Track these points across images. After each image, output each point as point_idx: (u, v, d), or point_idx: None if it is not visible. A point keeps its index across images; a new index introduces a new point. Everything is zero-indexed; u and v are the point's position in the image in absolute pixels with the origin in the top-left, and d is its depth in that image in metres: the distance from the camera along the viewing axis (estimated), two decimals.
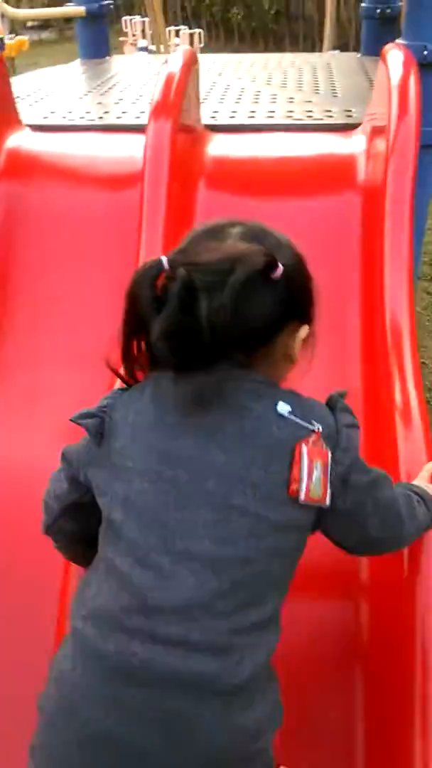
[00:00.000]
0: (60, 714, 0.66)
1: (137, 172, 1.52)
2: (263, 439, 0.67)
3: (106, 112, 1.82)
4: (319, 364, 1.02)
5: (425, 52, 1.49)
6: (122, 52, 7.61)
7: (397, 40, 1.58)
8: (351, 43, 7.89)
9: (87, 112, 1.83)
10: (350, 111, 1.74)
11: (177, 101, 1.43)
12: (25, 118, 1.74)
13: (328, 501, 0.68)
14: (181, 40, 6.01)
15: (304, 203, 1.51)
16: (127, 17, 8.50)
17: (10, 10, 2.36)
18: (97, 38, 2.64)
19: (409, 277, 1.27)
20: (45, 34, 13.72)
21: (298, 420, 0.68)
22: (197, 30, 6.73)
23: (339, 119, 1.69)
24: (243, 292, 0.62)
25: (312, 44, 8.99)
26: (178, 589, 0.63)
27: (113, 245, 1.49)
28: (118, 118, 1.78)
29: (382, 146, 1.40)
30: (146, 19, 7.44)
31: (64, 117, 1.79)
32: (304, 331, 0.72)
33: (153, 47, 6.61)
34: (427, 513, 0.80)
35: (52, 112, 1.83)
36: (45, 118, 1.79)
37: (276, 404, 0.68)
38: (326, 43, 3.03)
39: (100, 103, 1.92)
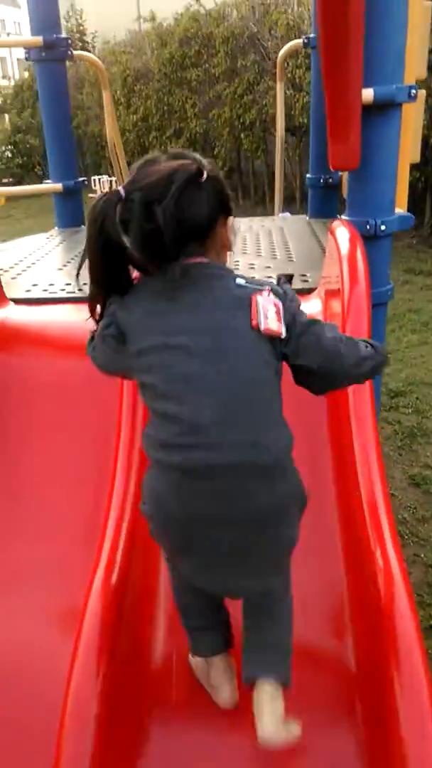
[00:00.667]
0: (157, 511, 0.96)
1: None
2: (230, 301, 0.95)
3: (85, 284, 1.97)
4: None
5: (368, 227, 1.70)
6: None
7: (342, 216, 1.80)
8: (297, 194, 8.75)
9: (67, 284, 1.99)
10: (306, 276, 1.94)
11: None
12: (9, 292, 1.88)
13: (283, 332, 0.94)
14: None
15: None
16: (95, 177, 9.36)
17: None
18: (72, 210, 2.92)
19: (374, 426, 1.36)
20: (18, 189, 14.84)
21: (252, 285, 0.97)
22: None
23: (296, 284, 1.87)
24: (184, 195, 0.88)
25: (262, 196, 9.96)
26: (208, 412, 0.90)
27: (93, 412, 1.58)
28: None
29: (338, 308, 1.55)
30: (113, 179, 8.24)
31: (45, 290, 1.94)
32: (230, 221, 1.01)
33: None
34: (375, 353, 1.01)
35: (34, 285, 1.98)
36: (27, 291, 1.93)
37: (234, 279, 0.97)
38: (276, 205, 3.37)
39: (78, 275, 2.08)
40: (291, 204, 8.67)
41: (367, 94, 1.49)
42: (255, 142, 9.26)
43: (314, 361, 0.97)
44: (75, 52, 2.81)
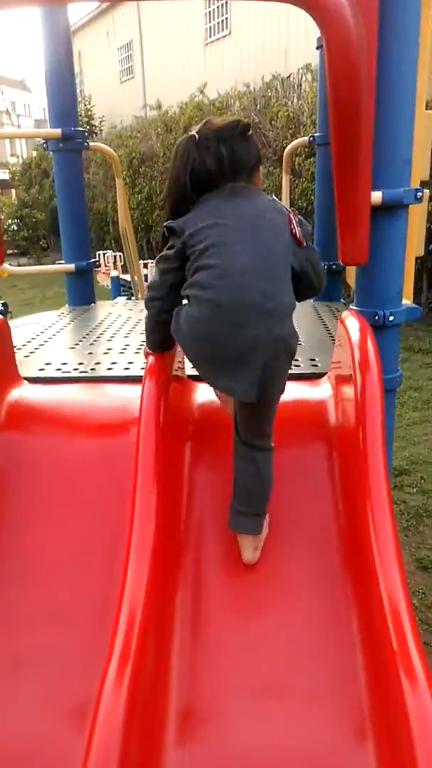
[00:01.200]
0: (188, 329, 1.34)
1: (128, 421, 1.66)
2: (269, 206, 1.39)
3: (97, 363, 2.02)
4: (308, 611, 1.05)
5: (376, 317, 1.75)
6: (97, 281, 8.51)
7: (352, 306, 1.86)
8: None
9: (80, 363, 2.02)
10: (314, 360, 1.98)
11: (169, 361, 1.62)
12: (23, 371, 1.91)
13: (303, 242, 1.37)
14: (149, 271, 6.85)
15: (282, 446, 1.66)
16: (101, 251, 9.69)
17: (9, 268, 2.68)
18: (83, 289, 3.00)
19: (391, 516, 1.36)
20: (23, 260, 15.30)
21: (282, 205, 1.42)
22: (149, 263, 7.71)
23: (306, 369, 1.91)
24: (239, 140, 1.37)
25: None
26: (239, 266, 1.28)
27: (106, 493, 1.57)
28: (108, 369, 1.97)
29: (349, 393, 1.58)
30: (117, 253, 8.51)
31: (59, 369, 1.97)
32: (261, 169, 1.47)
33: (124, 276, 7.47)
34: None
35: (47, 364, 2.02)
36: (41, 370, 1.96)
37: (269, 196, 1.42)
38: None
39: (90, 354, 2.13)
40: None
41: (376, 196, 1.58)
42: None
43: (310, 272, 1.39)
44: (91, 144, 2.97)
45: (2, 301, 2.02)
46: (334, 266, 2.92)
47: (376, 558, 1.18)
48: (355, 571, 1.33)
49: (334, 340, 2.15)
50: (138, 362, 2.01)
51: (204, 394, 1.79)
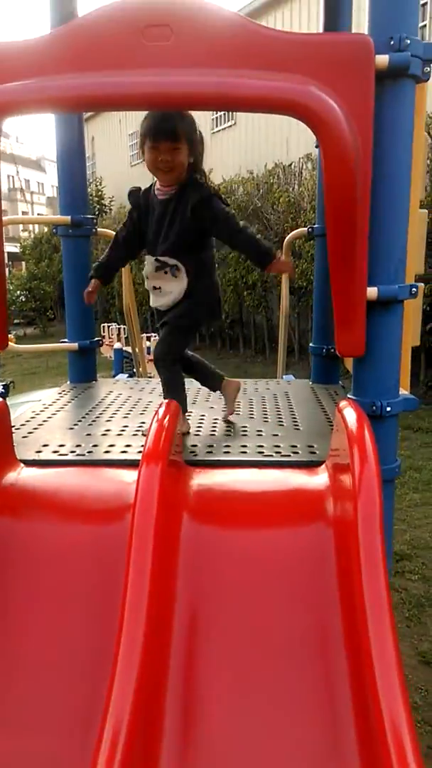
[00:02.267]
0: None
1: (123, 507, 1.64)
2: None
3: (95, 446, 2.02)
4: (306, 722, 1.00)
5: (373, 408, 1.76)
6: (101, 352, 8.65)
7: (349, 395, 1.88)
8: (295, 347, 9.13)
9: (77, 446, 2.02)
10: (313, 447, 1.98)
11: (165, 448, 1.61)
12: (20, 452, 1.91)
13: None
14: (152, 344, 6.98)
15: (280, 536, 1.63)
16: (105, 324, 9.89)
17: (15, 346, 2.72)
18: (86, 366, 3.04)
19: (390, 617, 1.31)
20: (29, 330, 15.60)
21: None
22: (153, 334, 7.83)
23: (304, 456, 1.91)
24: None
25: (263, 346, 10.42)
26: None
27: (97, 580, 1.53)
28: (106, 452, 1.96)
29: (347, 482, 1.57)
30: (121, 326, 8.68)
31: (56, 452, 1.96)
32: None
33: (127, 348, 7.58)
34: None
35: (45, 446, 2.02)
36: (38, 452, 1.96)
37: None
38: (279, 368, 3.53)
39: (89, 435, 2.13)
40: (290, 355, 9.03)
41: (372, 291, 1.63)
42: (256, 299, 9.88)
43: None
44: (99, 230, 3.09)
45: (3, 383, 2.04)
46: (332, 350, 2.96)
47: (375, 667, 1.13)
48: (355, 679, 1.27)
49: (332, 425, 2.15)
50: (135, 445, 2.01)
51: (200, 480, 1.78)
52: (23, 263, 17.16)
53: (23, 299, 15.34)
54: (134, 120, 18.53)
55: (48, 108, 1.70)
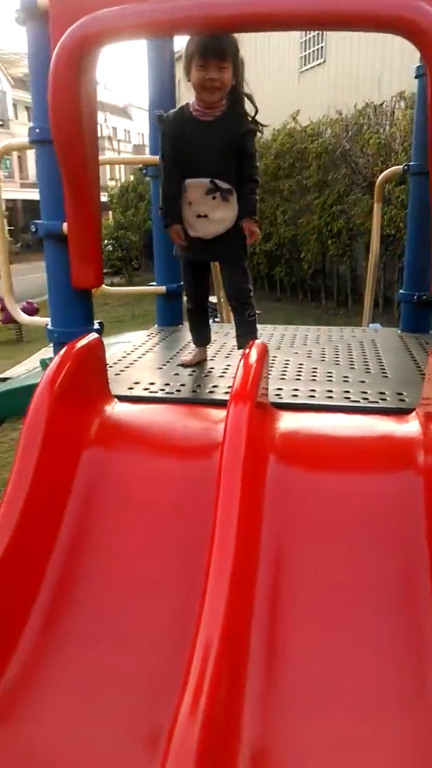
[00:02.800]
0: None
1: (212, 444, 1.68)
2: None
3: (182, 385, 2.06)
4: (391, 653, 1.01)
5: None
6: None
7: None
8: (380, 300, 8.83)
9: (166, 384, 2.07)
10: (402, 394, 1.93)
11: (253, 389, 1.63)
12: (114, 388, 1.98)
13: None
14: None
15: (368, 482, 1.62)
16: None
17: (106, 288, 2.79)
18: (172, 310, 3.08)
19: None
20: (116, 279, 15.89)
21: None
22: None
23: (393, 403, 1.87)
24: None
25: (345, 298, 10.14)
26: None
27: (187, 512, 1.59)
28: (193, 392, 2.00)
29: None
30: None
31: (146, 389, 2.02)
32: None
33: (212, 299, 7.58)
34: None
35: (136, 383, 2.08)
36: (130, 389, 2.02)
37: None
38: (366, 317, 3.43)
39: (176, 375, 2.18)
40: (375, 307, 8.76)
41: None
42: (341, 248, 9.56)
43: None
44: None
45: (98, 321, 2.10)
46: (424, 296, 2.84)
47: None
48: None
49: (423, 374, 2.09)
50: (222, 386, 2.03)
51: (287, 422, 1.78)
52: (110, 212, 17.35)
53: (110, 248, 15.58)
54: None
55: (148, 32, 1.69)
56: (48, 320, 2.11)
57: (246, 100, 2.07)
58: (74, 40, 1.52)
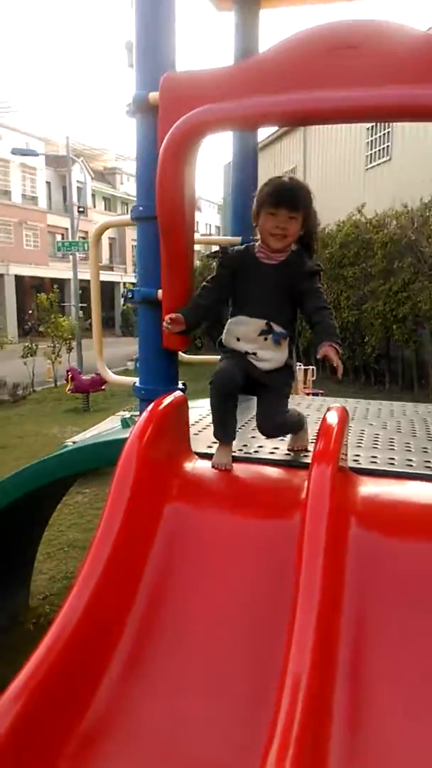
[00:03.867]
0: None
1: (292, 503, 1.71)
2: None
3: (260, 446, 2.11)
4: None
5: None
6: None
7: None
8: None
9: (244, 445, 2.12)
10: None
11: (336, 450, 1.66)
12: (193, 446, 2.04)
13: None
14: (299, 374, 7.05)
15: None
16: None
17: (183, 356, 2.91)
18: None
19: None
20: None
21: None
22: (311, 366, 7.85)
23: None
24: None
25: (410, 382, 10.06)
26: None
27: (264, 570, 1.59)
28: (271, 453, 2.04)
29: None
30: None
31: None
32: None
33: None
34: None
35: (214, 442, 2.13)
36: (209, 447, 2.08)
37: None
38: None
39: (253, 437, 2.23)
40: None
41: None
42: (406, 333, 9.59)
43: None
44: None
45: (182, 381, 2.21)
46: None
47: None
48: None
49: None
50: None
51: (368, 487, 1.79)
52: None
53: None
54: (289, 157, 19.06)
55: (247, 124, 1.87)
56: (136, 379, 2.23)
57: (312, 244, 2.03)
58: (186, 128, 1.71)
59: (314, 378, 7.11)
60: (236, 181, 3.18)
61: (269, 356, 1.97)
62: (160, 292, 2.06)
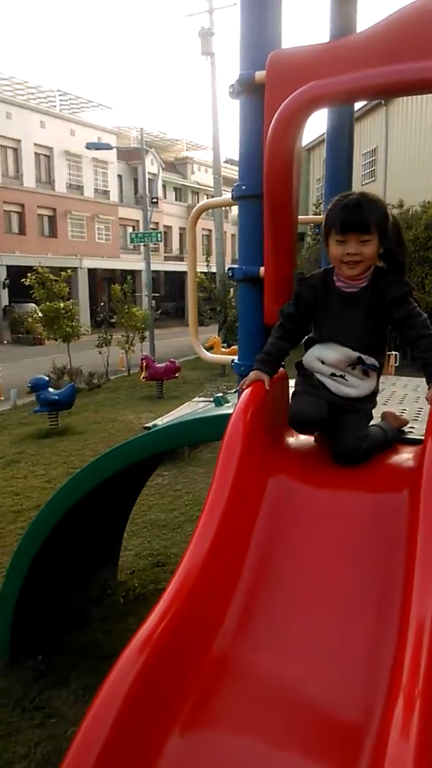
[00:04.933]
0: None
1: (402, 478, 1.71)
2: None
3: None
4: None
5: None
6: None
7: None
8: None
9: None
10: None
11: None
12: None
13: None
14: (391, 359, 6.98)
15: None
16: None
17: None
18: None
19: None
20: None
21: None
22: (393, 352, 7.72)
23: None
24: None
25: None
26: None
27: (373, 540, 1.61)
28: None
29: None
30: None
31: None
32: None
33: None
34: None
35: None
36: None
37: None
38: None
39: None
40: None
41: None
42: None
43: None
44: None
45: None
46: None
47: None
48: None
49: None
50: (417, 427, 2.05)
51: None
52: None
53: None
54: (369, 139, 18.60)
55: (354, 97, 1.87)
56: (234, 357, 2.27)
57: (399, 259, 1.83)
58: (297, 103, 1.72)
59: (397, 364, 6.97)
60: (330, 161, 3.16)
61: (357, 383, 1.86)
62: (261, 269, 2.09)
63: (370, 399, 1.92)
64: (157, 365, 10.72)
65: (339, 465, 1.84)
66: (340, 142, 3.11)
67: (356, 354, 1.83)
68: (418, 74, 1.60)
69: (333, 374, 1.86)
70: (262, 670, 1.41)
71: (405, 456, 1.88)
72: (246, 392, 1.84)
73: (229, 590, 1.56)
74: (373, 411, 1.96)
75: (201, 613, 1.47)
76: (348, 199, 1.73)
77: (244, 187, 2.15)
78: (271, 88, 1.94)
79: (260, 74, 1.99)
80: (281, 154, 1.80)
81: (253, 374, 1.88)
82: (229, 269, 2.26)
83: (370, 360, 1.84)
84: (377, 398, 1.99)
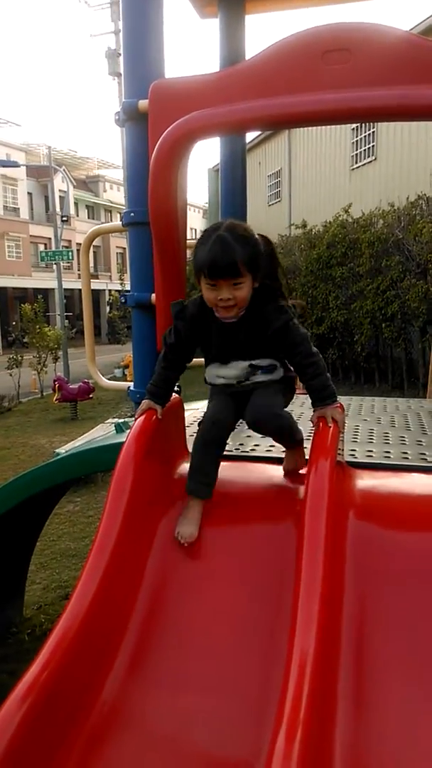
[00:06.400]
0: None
1: (291, 499, 1.73)
2: None
3: (257, 445, 2.13)
4: None
5: None
6: None
7: None
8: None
9: (240, 444, 2.15)
10: None
11: (333, 446, 1.68)
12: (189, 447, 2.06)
13: None
14: None
15: None
16: None
17: None
18: None
19: None
20: None
21: None
22: None
23: None
24: None
25: (400, 381, 10.14)
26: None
27: (264, 568, 1.61)
28: (267, 451, 2.07)
29: None
30: None
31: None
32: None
33: None
34: None
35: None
36: None
37: None
38: (430, 389, 3.46)
39: (248, 436, 2.26)
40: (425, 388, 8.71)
41: None
42: (395, 331, 9.66)
43: None
44: None
45: (178, 383, 2.22)
46: None
47: None
48: None
49: None
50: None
51: (365, 481, 1.82)
52: None
53: None
54: (273, 161, 19.18)
55: (235, 128, 1.90)
56: (131, 384, 2.25)
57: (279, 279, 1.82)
58: (177, 134, 1.73)
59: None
60: (225, 187, 3.22)
61: (262, 378, 1.83)
62: (153, 296, 2.08)
63: (284, 381, 1.87)
64: (71, 386, 10.47)
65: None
66: (234, 169, 3.17)
67: (247, 362, 1.80)
68: (285, 109, 1.65)
69: (239, 382, 1.84)
70: (154, 712, 1.38)
71: (297, 479, 1.91)
72: (137, 422, 1.82)
73: (121, 629, 1.52)
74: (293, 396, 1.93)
75: (90, 656, 1.42)
76: (215, 236, 1.62)
77: (132, 214, 2.14)
78: (153, 117, 1.95)
79: (143, 103, 1.99)
80: (163, 183, 1.81)
81: (144, 404, 1.86)
82: (121, 296, 2.24)
83: (265, 362, 1.81)
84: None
